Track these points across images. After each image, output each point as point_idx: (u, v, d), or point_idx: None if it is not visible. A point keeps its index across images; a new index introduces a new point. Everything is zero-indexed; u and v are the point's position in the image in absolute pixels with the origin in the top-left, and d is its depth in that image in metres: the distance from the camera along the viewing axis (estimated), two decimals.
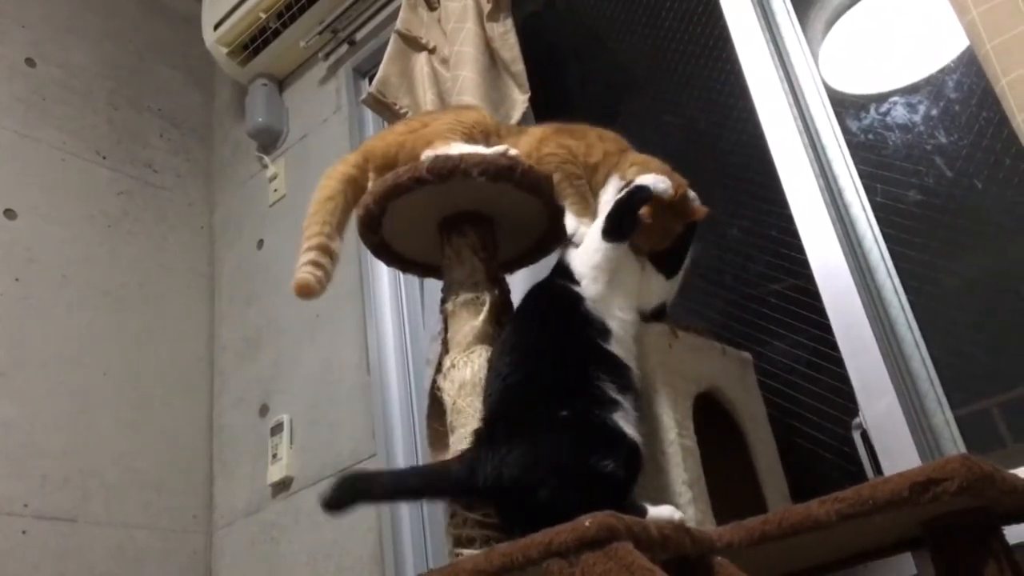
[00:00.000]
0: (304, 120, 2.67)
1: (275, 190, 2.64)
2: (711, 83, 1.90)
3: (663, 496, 1.15)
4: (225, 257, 2.74)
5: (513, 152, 1.29)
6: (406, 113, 2.05)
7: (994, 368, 1.43)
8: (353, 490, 1.13)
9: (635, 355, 1.20)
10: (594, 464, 1.05)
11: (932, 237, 1.51)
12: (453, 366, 1.25)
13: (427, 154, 1.29)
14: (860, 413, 1.43)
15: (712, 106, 1.89)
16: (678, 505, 1.12)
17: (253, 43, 2.65)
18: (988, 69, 1.22)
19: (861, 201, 1.59)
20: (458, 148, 1.28)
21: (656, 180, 1.22)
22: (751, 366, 1.48)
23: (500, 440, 1.07)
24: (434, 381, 1.32)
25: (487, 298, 1.28)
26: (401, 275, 2.22)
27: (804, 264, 1.57)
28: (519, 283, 1.47)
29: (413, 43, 2.15)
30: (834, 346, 1.49)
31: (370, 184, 1.35)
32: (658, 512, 1.03)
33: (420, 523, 1.98)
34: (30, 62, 2.55)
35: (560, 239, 1.33)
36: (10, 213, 2.32)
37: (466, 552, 1.12)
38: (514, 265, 1.47)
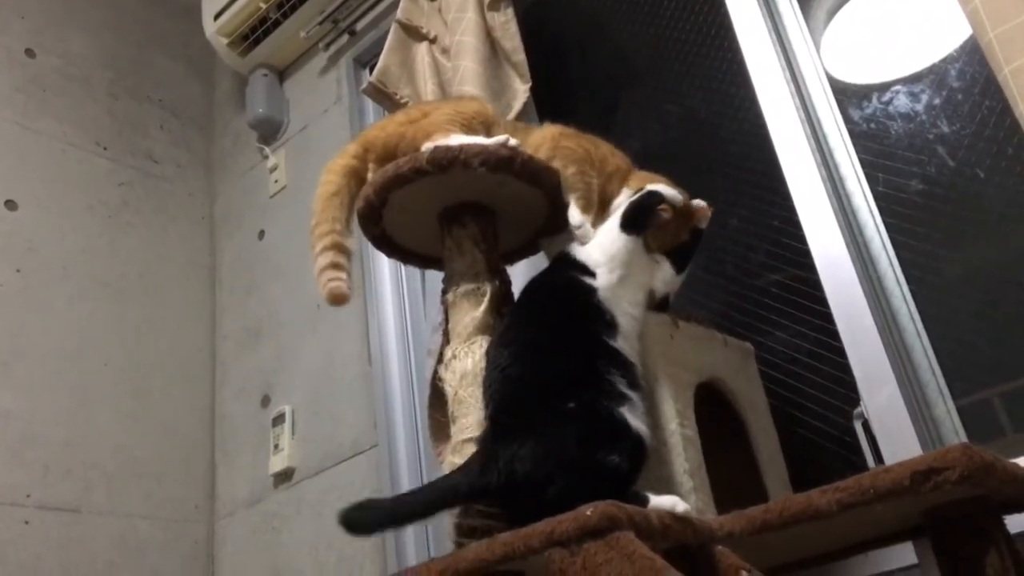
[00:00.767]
0: (305, 111, 2.67)
1: (276, 181, 2.64)
2: (713, 72, 1.89)
3: (664, 486, 1.15)
4: (226, 248, 2.74)
5: (513, 142, 1.29)
6: (407, 103, 2.04)
7: (995, 358, 1.43)
8: (370, 518, 1.12)
9: (639, 352, 1.20)
10: (601, 458, 1.05)
11: (934, 227, 1.51)
12: (454, 356, 1.25)
13: (427, 145, 1.29)
14: (861, 403, 1.43)
15: (714, 95, 1.88)
16: (680, 495, 1.12)
17: (253, 33, 2.64)
18: (991, 58, 1.21)
19: (863, 190, 1.58)
20: (458, 139, 1.28)
21: (667, 188, 1.28)
22: (752, 356, 1.48)
23: (509, 436, 1.07)
24: (435, 371, 1.32)
25: (488, 289, 1.28)
26: (402, 266, 2.22)
27: (806, 254, 1.56)
28: (520, 274, 1.47)
29: (414, 33, 2.14)
30: (835, 336, 1.49)
31: (370, 175, 1.34)
32: (660, 502, 1.03)
33: None
34: (30, 53, 2.54)
35: (560, 231, 1.33)
36: (10, 204, 2.32)
37: (468, 541, 1.13)
38: (515, 256, 1.47)
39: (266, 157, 2.70)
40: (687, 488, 1.15)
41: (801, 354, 1.60)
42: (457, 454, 1.18)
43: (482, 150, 1.25)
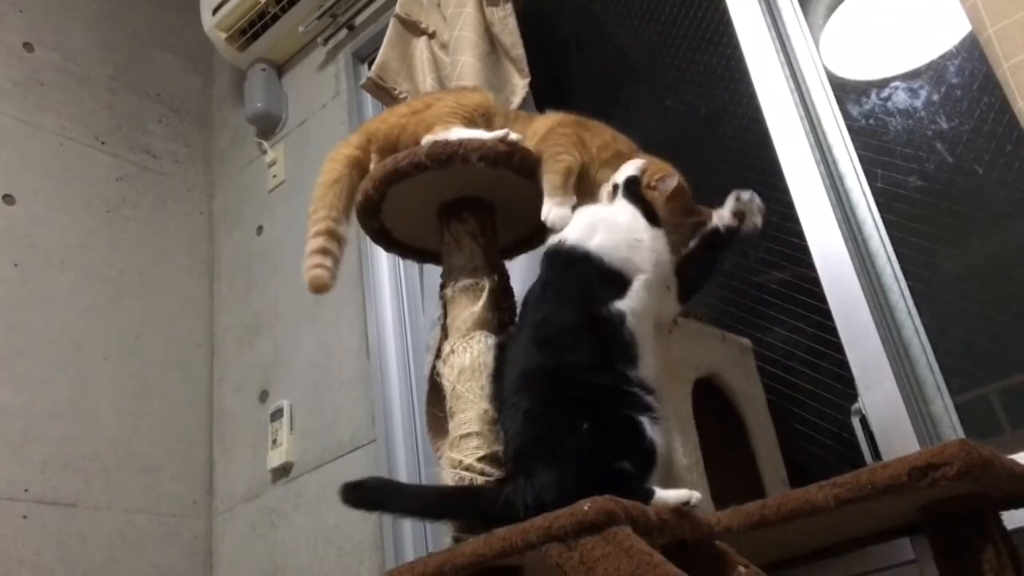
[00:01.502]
0: (303, 105, 2.66)
1: (274, 176, 2.64)
2: (712, 68, 1.89)
3: (663, 481, 1.14)
4: (224, 243, 2.74)
5: (513, 137, 1.28)
6: (405, 98, 2.04)
7: (993, 355, 1.43)
8: (373, 496, 1.12)
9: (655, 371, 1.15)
10: (618, 468, 1.04)
11: (933, 223, 1.51)
12: (452, 352, 1.24)
13: (427, 139, 1.28)
14: (859, 399, 1.43)
15: (713, 92, 1.88)
16: None
17: (252, 28, 2.64)
18: (990, 54, 1.21)
19: (862, 187, 1.58)
20: (458, 133, 1.28)
21: (633, 164, 1.25)
22: (751, 352, 1.48)
23: (531, 470, 1.05)
24: (433, 367, 1.32)
25: (486, 284, 1.28)
26: (400, 261, 2.22)
27: (804, 250, 1.56)
28: (519, 269, 1.47)
29: (413, 28, 2.14)
30: (834, 332, 1.49)
31: (372, 165, 1.34)
32: (669, 495, 1.01)
33: None
34: (28, 47, 2.54)
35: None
36: (9, 199, 2.32)
37: (466, 537, 1.13)
38: (514, 251, 1.47)
39: (264, 152, 2.69)
40: (685, 483, 1.15)
41: (799, 350, 1.60)
42: (455, 449, 1.18)
43: (481, 145, 1.25)
